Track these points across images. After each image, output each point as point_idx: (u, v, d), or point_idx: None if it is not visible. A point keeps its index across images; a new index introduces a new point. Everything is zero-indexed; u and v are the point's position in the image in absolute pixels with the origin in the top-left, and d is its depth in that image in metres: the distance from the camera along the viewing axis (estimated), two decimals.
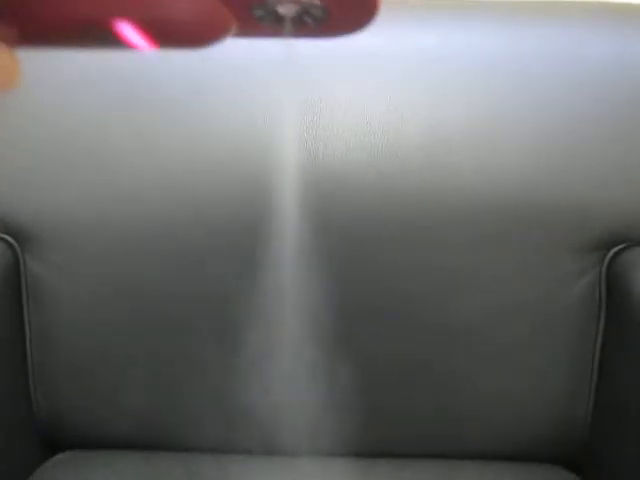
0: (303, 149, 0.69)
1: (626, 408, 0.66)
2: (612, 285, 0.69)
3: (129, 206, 0.71)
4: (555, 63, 0.71)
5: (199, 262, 0.70)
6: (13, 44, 0.25)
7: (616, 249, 0.70)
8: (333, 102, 0.70)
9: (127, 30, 0.24)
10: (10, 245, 0.72)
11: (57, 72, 0.71)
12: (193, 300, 0.71)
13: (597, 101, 0.70)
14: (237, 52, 0.70)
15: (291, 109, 0.69)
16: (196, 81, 0.71)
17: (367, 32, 0.71)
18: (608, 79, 0.71)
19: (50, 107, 0.72)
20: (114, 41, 0.24)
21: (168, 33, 0.24)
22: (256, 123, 0.69)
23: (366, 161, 0.69)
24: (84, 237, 0.71)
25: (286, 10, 0.24)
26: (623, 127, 0.70)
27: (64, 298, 0.72)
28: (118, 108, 0.71)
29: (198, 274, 0.71)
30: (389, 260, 0.70)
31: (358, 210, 0.69)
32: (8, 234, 0.72)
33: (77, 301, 0.72)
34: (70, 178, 0.71)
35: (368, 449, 0.72)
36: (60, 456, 0.75)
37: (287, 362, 0.65)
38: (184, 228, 0.70)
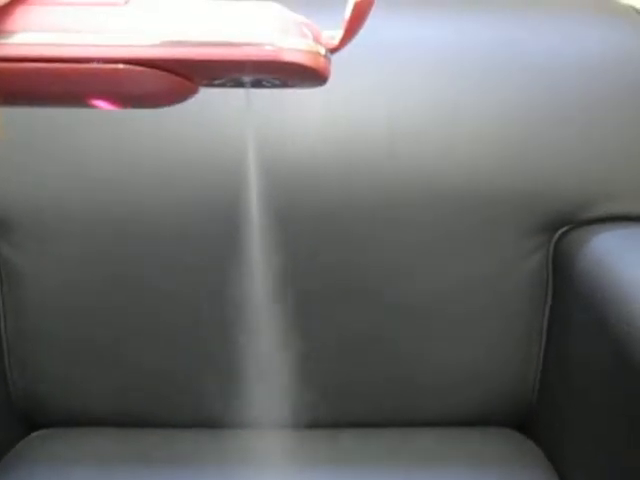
0: (270, 142, 0.71)
1: (570, 375, 0.71)
2: (558, 263, 0.73)
3: (100, 191, 0.71)
4: (511, 54, 0.74)
5: (170, 244, 0.72)
6: None
7: (562, 230, 0.73)
8: (298, 97, 0.71)
9: (100, 102, 0.26)
10: None
11: None
12: (165, 280, 0.73)
13: (548, 91, 0.73)
14: None
15: (257, 101, 0.71)
16: None
17: (329, 28, 0.73)
18: (560, 70, 0.74)
19: None
20: (83, 105, 0.27)
21: (135, 102, 0.27)
22: (223, 118, 0.71)
23: (331, 151, 0.71)
24: (56, 222, 0.72)
25: (245, 79, 0.26)
26: (570, 115, 0.73)
27: (38, 281, 0.73)
28: None
29: (169, 254, 0.72)
30: (351, 241, 0.73)
31: (323, 195, 0.71)
32: None
33: (51, 283, 0.73)
34: (42, 164, 0.72)
35: (329, 420, 0.75)
36: (37, 434, 0.76)
37: (252, 340, 0.67)
38: (154, 212, 0.71)
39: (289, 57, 0.24)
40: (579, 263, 0.69)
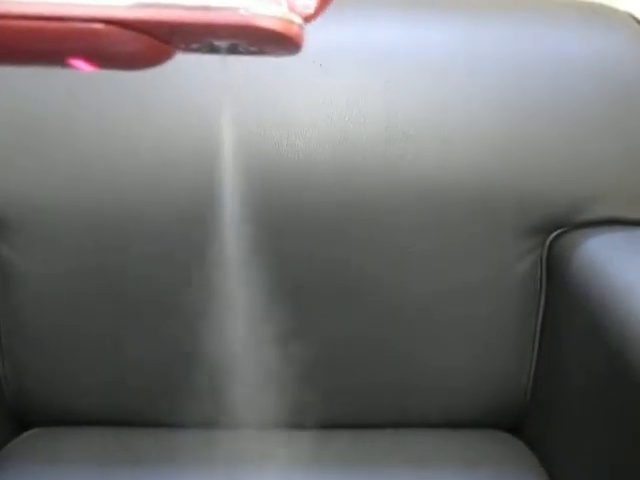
0: (266, 141, 0.71)
1: (562, 377, 0.71)
2: (552, 266, 0.74)
3: (95, 190, 0.72)
4: (507, 59, 0.75)
5: (163, 245, 0.72)
6: None
7: (556, 233, 0.74)
8: (295, 95, 0.72)
9: (78, 62, 0.27)
10: None
11: None
12: (159, 277, 0.73)
13: (541, 94, 0.74)
14: None
15: (254, 106, 0.72)
16: (162, 76, 0.72)
17: (327, 30, 0.74)
18: (552, 73, 0.75)
19: (18, 95, 0.72)
20: (62, 65, 0.28)
21: (114, 64, 0.28)
22: (221, 119, 0.71)
23: (328, 153, 0.72)
24: (50, 220, 0.72)
25: (221, 44, 0.27)
26: (564, 118, 0.74)
27: (31, 281, 0.73)
28: (86, 95, 0.72)
29: (167, 256, 0.72)
30: (346, 242, 0.73)
31: (320, 197, 0.72)
32: None
33: (44, 282, 0.73)
34: (37, 162, 0.72)
35: (323, 421, 0.75)
36: (29, 432, 0.76)
37: (246, 340, 0.68)
38: (154, 213, 0.72)
39: (262, 23, 0.25)
40: (572, 266, 0.70)
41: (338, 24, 0.75)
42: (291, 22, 0.26)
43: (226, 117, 0.71)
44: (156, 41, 0.26)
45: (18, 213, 0.72)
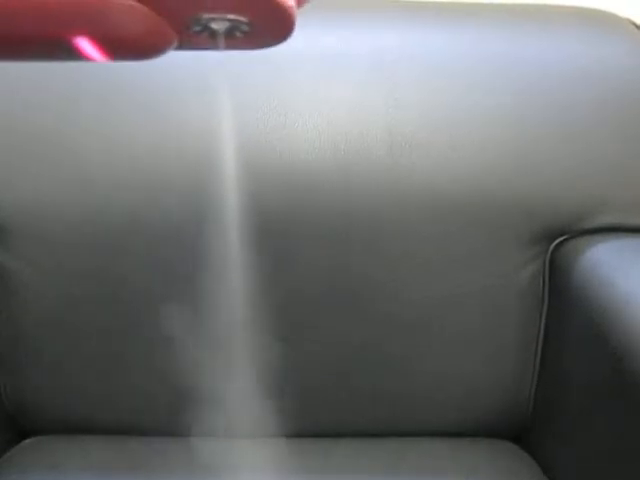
0: (270, 149, 0.71)
1: (566, 386, 0.71)
2: (554, 273, 0.74)
3: (94, 196, 0.71)
4: (506, 65, 0.75)
5: (162, 252, 0.72)
6: None
7: (559, 240, 0.74)
8: (298, 103, 0.72)
9: (84, 44, 0.27)
10: None
11: (24, 65, 0.72)
12: (158, 285, 0.72)
13: (543, 101, 0.74)
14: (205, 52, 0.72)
15: (257, 111, 0.72)
16: (162, 82, 0.72)
17: (330, 34, 0.74)
18: (553, 80, 0.75)
19: (16, 100, 0.72)
20: (72, 54, 0.28)
21: (119, 47, 0.28)
22: (221, 125, 0.71)
23: (330, 160, 0.71)
24: (50, 228, 0.72)
25: (218, 26, 0.28)
26: (566, 125, 0.74)
27: (30, 288, 0.73)
28: (85, 99, 0.72)
29: (161, 263, 0.72)
30: (349, 250, 0.73)
31: (322, 204, 0.71)
32: None
33: (43, 291, 0.73)
34: (36, 170, 0.71)
35: (322, 430, 0.75)
36: (28, 441, 0.76)
37: (244, 347, 0.67)
38: (147, 217, 0.71)
39: None
40: (575, 273, 0.70)
41: (340, 31, 0.75)
42: None
43: (226, 123, 0.71)
44: (159, 19, 0.27)
45: (16, 218, 0.71)
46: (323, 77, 0.73)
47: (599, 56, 0.76)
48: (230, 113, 0.70)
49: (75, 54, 0.28)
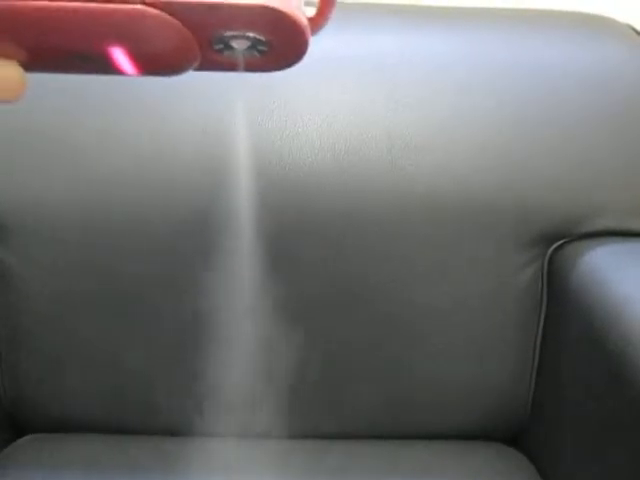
0: (271, 151, 0.71)
1: (563, 389, 0.71)
2: (552, 277, 0.74)
3: (96, 196, 0.72)
4: (505, 69, 0.75)
5: (166, 254, 0.72)
6: (22, 64, 0.28)
7: (557, 244, 0.74)
8: (299, 105, 0.72)
9: (120, 56, 0.28)
10: None
11: None
12: (158, 284, 0.73)
13: (542, 105, 0.74)
14: None
15: (258, 113, 0.72)
16: (164, 82, 0.72)
17: (331, 37, 0.75)
18: (552, 84, 0.75)
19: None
20: (106, 66, 0.29)
21: (151, 60, 0.29)
22: (224, 130, 0.71)
23: (330, 161, 0.72)
24: (50, 226, 0.72)
25: (238, 45, 0.28)
26: (564, 130, 0.74)
27: (29, 285, 0.73)
28: (84, 99, 0.73)
29: (164, 259, 0.72)
30: (350, 253, 0.73)
31: (322, 207, 0.72)
32: None
33: (42, 288, 0.73)
34: (35, 167, 0.72)
35: (322, 431, 0.75)
36: (25, 439, 0.76)
37: (246, 347, 0.67)
38: (151, 218, 0.71)
39: (283, 7, 0.27)
40: (573, 277, 0.70)
41: (341, 35, 0.76)
42: (303, 15, 0.28)
43: (228, 125, 0.72)
44: (187, 32, 0.27)
45: (16, 216, 0.72)
46: (324, 79, 0.74)
47: (598, 61, 0.77)
48: (231, 115, 0.70)
49: (109, 67, 0.29)
